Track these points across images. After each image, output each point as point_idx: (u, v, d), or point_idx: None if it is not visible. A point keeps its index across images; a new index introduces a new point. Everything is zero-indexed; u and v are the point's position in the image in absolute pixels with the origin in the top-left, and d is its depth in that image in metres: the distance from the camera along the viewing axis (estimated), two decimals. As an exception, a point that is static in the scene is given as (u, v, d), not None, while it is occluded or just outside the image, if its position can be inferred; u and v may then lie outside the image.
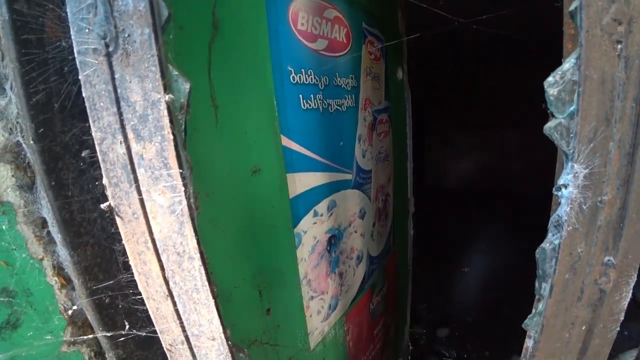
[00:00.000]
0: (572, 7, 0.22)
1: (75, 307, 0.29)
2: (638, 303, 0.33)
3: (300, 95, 0.59)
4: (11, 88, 0.25)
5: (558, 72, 0.22)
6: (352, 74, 0.77)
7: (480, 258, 2.36)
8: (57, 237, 0.26)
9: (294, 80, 0.58)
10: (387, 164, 1.02)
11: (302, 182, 0.60)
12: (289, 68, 0.56)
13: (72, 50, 0.26)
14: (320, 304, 0.69)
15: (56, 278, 0.28)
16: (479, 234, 2.73)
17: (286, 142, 0.55)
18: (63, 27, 0.25)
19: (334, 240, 0.72)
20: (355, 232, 0.82)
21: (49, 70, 0.25)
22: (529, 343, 0.31)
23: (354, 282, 0.84)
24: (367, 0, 0.89)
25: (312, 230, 0.64)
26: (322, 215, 0.67)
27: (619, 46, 0.22)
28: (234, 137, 0.42)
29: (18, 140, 0.26)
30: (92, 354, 0.30)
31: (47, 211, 0.26)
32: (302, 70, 0.59)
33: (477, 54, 2.45)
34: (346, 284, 0.80)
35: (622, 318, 0.27)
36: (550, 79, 0.22)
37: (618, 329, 0.27)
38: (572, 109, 0.21)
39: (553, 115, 0.22)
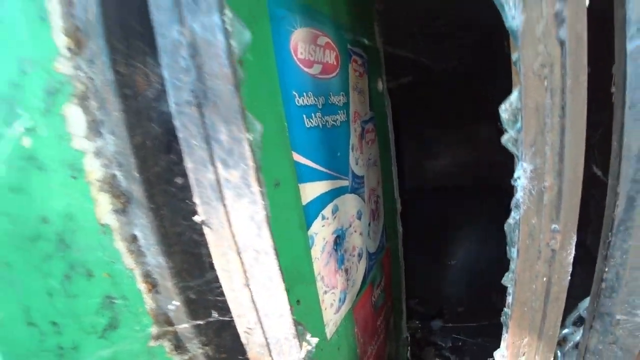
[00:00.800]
0: (514, 58, 0.33)
1: (158, 307, 0.36)
2: (591, 255, 0.44)
3: (304, 116, 0.68)
4: (110, 132, 0.32)
5: (507, 101, 0.33)
6: (342, 91, 0.87)
7: (466, 250, 2.51)
8: (150, 249, 0.33)
9: (298, 103, 0.67)
10: (375, 168, 1.13)
11: (311, 190, 0.68)
12: (294, 93, 0.66)
13: (157, 99, 0.34)
14: (332, 298, 0.77)
15: (144, 284, 0.35)
16: (465, 227, 2.89)
17: (296, 157, 0.64)
18: (148, 80, 0.33)
19: (338, 240, 0.81)
20: (355, 231, 0.91)
21: (142, 115, 0.32)
22: (508, 298, 0.42)
23: (357, 277, 0.93)
24: (349, 21, 1.00)
25: (321, 232, 0.73)
26: (328, 218, 0.76)
27: (546, 82, 0.33)
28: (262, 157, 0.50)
29: (114, 173, 0.33)
30: (172, 346, 0.37)
31: (140, 229, 0.33)
32: (304, 93, 0.69)
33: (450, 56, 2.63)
34: (352, 279, 0.88)
35: (570, 269, 0.37)
36: (502, 106, 0.33)
37: (569, 277, 0.38)
38: (518, 126, 0.32)
39: (506, 131, 0.33)
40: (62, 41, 0.31)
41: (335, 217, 0.79)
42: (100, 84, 0.31)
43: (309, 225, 0.68)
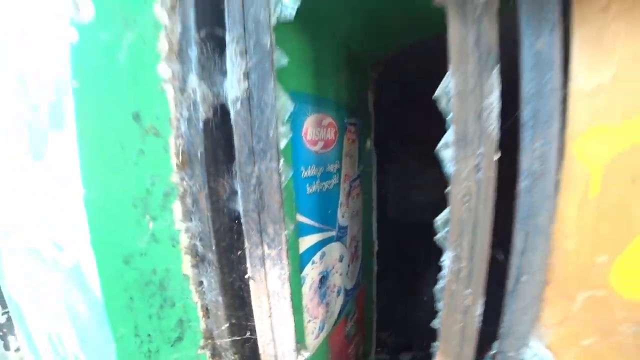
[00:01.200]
0: (447, 190, 0.56)
1: (208, 328, 0.54)
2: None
3: (307, 184, 0.90)
4: (197, 218, 0.52)
5: (441, 215, 0.55)
6: (337, 160, 1.10)
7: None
8: (211, 292, 0.52)
9: (303, 175, 0.89)
10: (358, 218, 1.35)
11: (306, 242, 0.89)
12: (302, 168, 0.87)
13: (229, 200, 0.55)
14: (314, 326, 0.96)
15: (202, 312, 0.53)
16: (436, 264, 3.11)
17: (299, 217, 0.85)
18: (225, 190, 0.54)
19: (323, 279, 1.01)
20: (337, 272, 1.12)
21: (219, 210, 0.53)
22: (438, 336, 0.63)
23: (335, 309, 1.12)
24: (348, 98, 1.24)
25: (310, 274, 0.93)
26: (316, 263, 0.96)
27: (466, 205, 0.55)
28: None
29: (195, 243, 0.53)
30: (211, 354, 0.55)
31: (206, 278, 0.52)
32: (309, 167, 0.91)
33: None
34: (330, 311, 1.08)
35: (478, 319, 0.59)
36: (437, 218, 0.56)
37: (479, 324, 0.60)
38: (446, 229, 0.54)
39: (439, 231, 0.55)
40: (175, 162, 0.52)
41: (322, 262, 0.99)
42: (195, 190, 0.52)
43: (302, 269, 0.88)
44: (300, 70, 0.88)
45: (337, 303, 1.14)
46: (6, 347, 2.70)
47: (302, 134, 0.89)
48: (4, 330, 2.51)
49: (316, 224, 0.94)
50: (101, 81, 0.41)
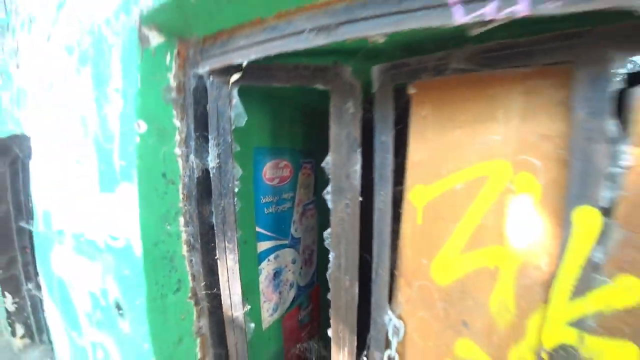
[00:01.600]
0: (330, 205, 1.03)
1: (194, 287, 0.97)
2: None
3: (265, 208, 1.36)
4: (191, 224, 0.98)
5: (328, 230, 1.01)
6: (292, 190, 1.56)
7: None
8: (194, 266, 0.96)
9: (262, 201, 1.34)
10: (313, 232, 1.79)
11: (263, 245, 1.33)
12: (261, 197, 1.33)
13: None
14: (268, 306, 1.38)
15: (190, 277, 0.97)
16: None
17: (258, 229, 1.30)
18: (206, 212, 1.00)
19: (277, 274, 1.45)
20: (289, 270, 1.55)
21: (205, 227, 0.98)
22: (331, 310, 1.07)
23: (287, 298, 1.54)
24: (304, 142, 1.72)
25: (266, 268, 1.36)
26: (271, 261, 1.40)
27: (344, 220, 1.02)
28: (242, 229, 1.16)
29: (190, 239, 0.98)
30: (194, 302, 0.98)
31: (194, 258, 0.96)
32: (266, 196, 1.37)
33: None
34: (283, 299, 1.50)
35: (355, 295, 1.04)
36: (325, 232, 1.01)
37: (357, 300, 1.04)
38: (329, 240, 1.00)
39: (326, 239, 1.00)
40: (181, 197, 0.98)
41: (276, 261, 1.43)
42: (191, 211, 0.97)
43: (259, 263, 1.32)
44: (261, 131, 1.36)
45: (289, 294, 1.56)
46: (13, 333, 3.07)
47: (262, 174, 1.36)
48: (13, 318, 2.89)
49: (271, 234, 1.39)
50: (149, 156, 0.88)
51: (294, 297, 1.59)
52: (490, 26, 0.55)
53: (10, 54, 1.63)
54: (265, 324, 1.37)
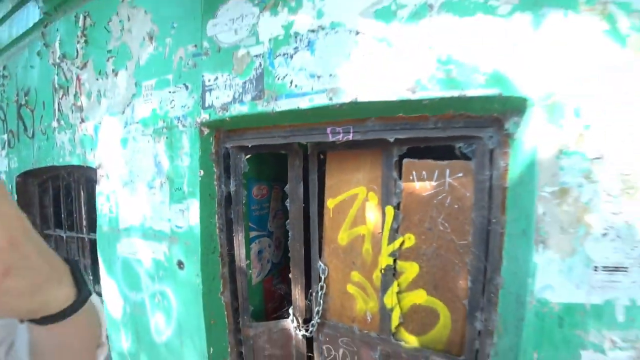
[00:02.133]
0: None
1: (222, 253, 1.89)
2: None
3: (253, 211, 2.32)
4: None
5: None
6: (268, 202, 2.53)
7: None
8: (224, 244, 1.88)
9: (252, 208, 2.31)
10: (282, 228, 2.77)
11: (253, 234, 2.29)
12: (251, 205, 2.30)
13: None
14: (255, 271, 2.33)
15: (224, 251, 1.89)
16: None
17: (250, 224, 2.26)
18: (229, 213, 1.97)
19: (260, 252, 2.40)
20: (265, 250, 2.51)
21: (229, 221, 1.92)
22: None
23: (266, 269, 2.50)
24: (274, 176, 2.71)
25: (254, 248, 2.32)
26: (256, 243, 2.36)
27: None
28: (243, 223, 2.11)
29: (221, 229, 1.92)
30: (221, 262, 1.89)
31: (225, 240, 1.88)
32: (254, 205, 2.33)
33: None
34: (264, 269, 2.45)
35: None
36: (287, 223, 2.02)
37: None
38: (292, 233, 2.00)
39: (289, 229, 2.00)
40: (217, 204, 1.93)
41: (259, 244, 2.39)
42: (221, 212, 1.93)
43: (251, 244, 2.27)
44: (252, 170, 2.32)
45: (267, 266, 2.52)
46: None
47: (252, 193, 2.33)
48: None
49: (256, 227, 2.35)
50: (204, 186, 1.82)
51: (269, 269, 2.55)
52: (343, 140, 1.61)
53: (73, 109, 2.44)
54: (253, 282, 2.30)
